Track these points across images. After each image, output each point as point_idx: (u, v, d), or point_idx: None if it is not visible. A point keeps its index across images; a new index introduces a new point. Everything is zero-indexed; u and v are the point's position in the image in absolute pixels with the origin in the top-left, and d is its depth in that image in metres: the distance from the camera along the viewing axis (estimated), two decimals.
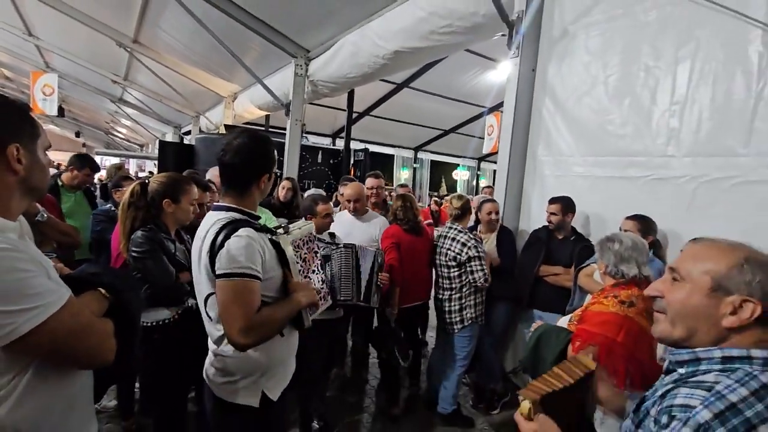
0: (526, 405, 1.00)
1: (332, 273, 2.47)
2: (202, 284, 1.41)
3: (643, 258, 1.77)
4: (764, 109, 2.13)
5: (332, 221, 2.71)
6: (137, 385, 2.85)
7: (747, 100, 2.19)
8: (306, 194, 3.39)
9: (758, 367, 0.79)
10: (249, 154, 1.40)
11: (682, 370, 0.89)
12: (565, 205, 2.86)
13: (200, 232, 1.42)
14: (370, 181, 3.48)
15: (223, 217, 1.38)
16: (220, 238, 1.31)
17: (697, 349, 0.86)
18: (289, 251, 1.46)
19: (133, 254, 1.94)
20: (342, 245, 2.57)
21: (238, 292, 1.28)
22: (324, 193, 3.37)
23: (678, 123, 2.46)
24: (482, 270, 2.82)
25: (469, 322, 2.93)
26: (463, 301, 2.92)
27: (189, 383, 2.26)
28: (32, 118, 0.98)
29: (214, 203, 1.50)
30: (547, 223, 2.96)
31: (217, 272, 1.30)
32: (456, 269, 2.91)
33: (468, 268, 2.86)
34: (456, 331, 2.95)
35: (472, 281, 2.86)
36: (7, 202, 0.93)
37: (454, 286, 2.94)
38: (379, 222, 3.11)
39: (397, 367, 3.00)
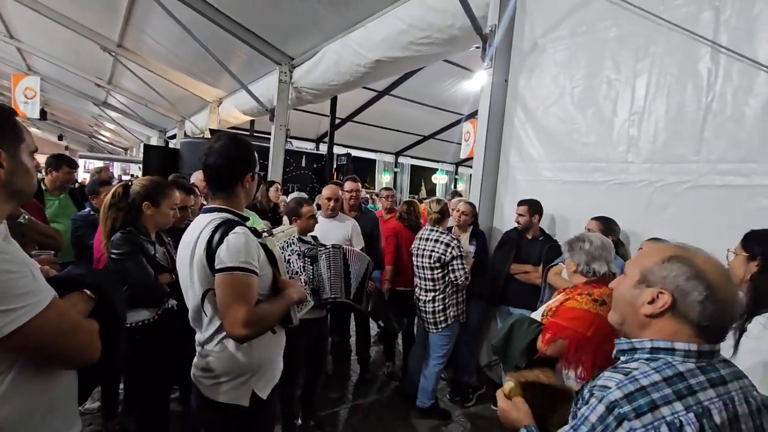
0: (509, 385, 1.09)
1: (320, 272, 2.48)
2: (195, 284, 1.37)
3: (610, 256, 1.82)
4: (713, 120, 2.25)
5: (316, 222, 2.71)
6: (121, 386, 2.79)
7: (697, 112, 2.31)
8: (289, 197, 3.39)
9: (679, 358, 0.86)
10: (231, 155, 1.41)
11: (623, 358, 0.96)
12: (532, 206, 2.94)
13: (191, 234, 1.40)
14: (348, 185, 3.51)
15: (216, 217, 1.38)
16: (217, 236, 1.30)
17: (633, 340, 0.94)
18: (277, 251, 1.47)
19: (113, 256, 1.90)
20: (330, 246, 2.59)
21: (239, 286, 1.28)
22: (306, 196, 3.38)
23: (637, 132, 2.57)
24: (463, 269, 2.87)
25: (452, 320, 2.97)
26: (447, 300, 2.95)
27: (171, 383, 2.22)
28: (15, 122, 0.96)
29: (204, 206, 1.48)
30: (515, 224, 3.04)
31: (217, 267, 1.28)
32: (440, 270, 2.92)
33: (450, 267, 2.89)
34: (439, 330, 2.98)
35: (453, 279, 2.90)
36: None
37: (437, 287, 2.95)
38: (351, 223, 3.19)
39: (394, 334, 3.26)
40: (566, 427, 0.92)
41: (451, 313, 2.95)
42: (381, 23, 4.37)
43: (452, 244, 2.88)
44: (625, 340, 0.96)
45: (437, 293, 2.95)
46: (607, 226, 2.46)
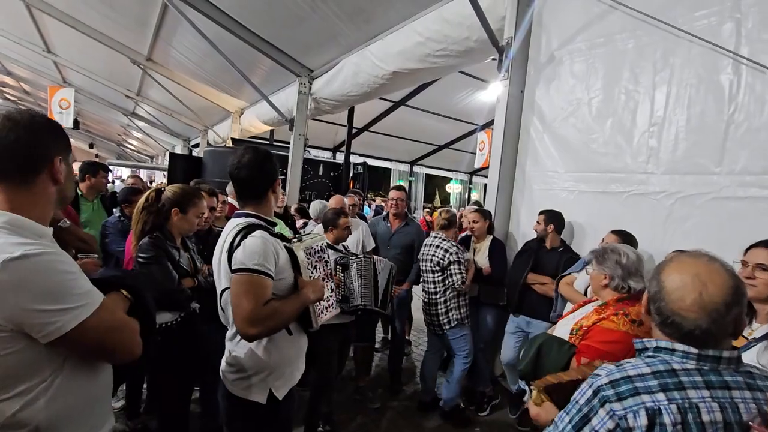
0: (535, 392, 1.11)
1: (351, 280, 2.53)
2: (220, 282, 1.46)
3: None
4: (735, 131, 2.19)
5: (350, 233, 2.79)
6: (144, 386, 2.83)
7: (719, 123, 2.25)
8: (312, 206, 3.55)
9: (678, 358, 0.90)
10: (258, 167, 1.47)
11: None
12: (548, 217, 2.90)
13: (223, 237, 1.48)
14: (393, 193, 3.61)
15: (242, 222, 1.44)
16: (237, 238, 1.36)
17: (644, 339, 0.99)
18: (301, 255, 1.50)
19: (140, 259, 1.95)
20: (362, 255, 2.66)
21: (249, 285, 1.32)
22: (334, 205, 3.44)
23: (656, 142, 2.52)
24: (460, 273, 2.92)
25: (456, 322, 2.98)
26: (448, 303, 2.99)
27: (192, 384, 2.25)
28: (65, 133, 1.02)
29: (235, 211, 1.54)
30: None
31: (233, 268, 1.34)
32: (440, 273, 3.00)
33: (449, 272, 2.95)
34: (447, 330, 3.00)
35: (451, 284, 2.95)
36: (45, 210, 0.97)
37: (438, 290, 3.01)
38: (362, 225, 3.31)
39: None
40: (562, 412, 0.98)
41: (454, 316, 2.99)
42: (398, 36, 4.41)
43: (451, 250, 2.95)
44: (639, 340, 1.00)
45: (438, 296, 3.01)
46: (627, 240, 2.35)
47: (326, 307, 1.72)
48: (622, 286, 1.64)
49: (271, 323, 1.35)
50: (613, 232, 2.46)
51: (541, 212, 2.95)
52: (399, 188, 3.65)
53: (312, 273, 1.63)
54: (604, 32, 2.83)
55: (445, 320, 3.00)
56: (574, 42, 3.01)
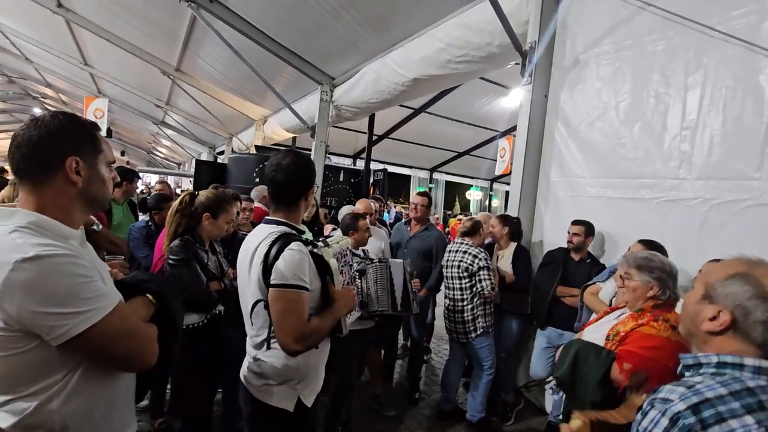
0: (577, 423, 1.04)
1: (367, 286, 2.51)
2: (248, 292, 1.42)
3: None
4: None
5: (370, 235, 2.78)
6: (168, 386, 2.88)
7: (758, 126, 2.13)
8: (342, 211, 3.58)
9: (748, 374, 0.82)
10: (298, 172, 1.44)
11: (687, 374, 0.92)
12: (588, 228, 2.81)
13: (251, 243, 1.44)
14: (416, 198, 3.58)
15: (275, 230, 1.41)
16: (273, 250, 1.33)
17: (699, 355, 0.90)
18: (333, 263, 1.48)
19: (170, 261, 1.99)
20: (377, 260, 2.62)
21: (292, 302, 1.31)
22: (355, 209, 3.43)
23: (689, 147, 2.41)
24: (489, 279, 2.87)
25: (482, 330, 2.93)
26: (475, 311, 2.94)
27: (216, 385, 2.27)
28: (94, 135, 1.00)
29: (265, 217, 1.51)
30: (567, 243, 2.88)
31: (272, 282, 1.31)
32: (468, 280, 2.95)
33: (477, 278, 2.90)
34: (472, 339, 2.94)
35: (480, 290, 2.89)
36: (69, 211, 0.96)
37: (465, 296, 2.96)
38: (383, 233, 3.31)
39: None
40: None
41: (480, 323, 2.93)
42: (419, 43, 4.41)
43: (480, 256, 2.92)
44: (690, 355, 0.93)
45: (465, 303, 2.95)
46: (656, 251, 2.25)
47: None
48: (667, 294, 1.59)
49: (314, 339, 1.36)
50: (641, 241, 2.34)
51: (578, 223, 2.83)
52: (422, 194, 3.61)
53: (341, 278, 1.62)
54: (631, 34, 2.75)
55: (471, 328, 2.94)
56: (601, 45, 2.93)
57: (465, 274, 2.94)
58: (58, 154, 0.92)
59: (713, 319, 0.88)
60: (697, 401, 0.79)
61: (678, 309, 1.60)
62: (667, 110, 2.55)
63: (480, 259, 2.90)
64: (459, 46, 3.89)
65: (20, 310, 0.81)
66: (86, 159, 0.96)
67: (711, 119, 2.33)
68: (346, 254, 1.72)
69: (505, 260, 3.17)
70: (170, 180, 17.25)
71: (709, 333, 0.89)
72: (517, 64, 3.42)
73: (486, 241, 3.42)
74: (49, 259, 0.84)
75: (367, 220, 2.80)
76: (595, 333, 1.72)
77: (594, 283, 2.49)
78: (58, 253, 0.86)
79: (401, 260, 2.75)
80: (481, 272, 2.89)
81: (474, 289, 2.93)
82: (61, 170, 0.93)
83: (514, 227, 3.21)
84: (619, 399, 1.38)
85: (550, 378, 2.96)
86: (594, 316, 2.21)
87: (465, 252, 2.98)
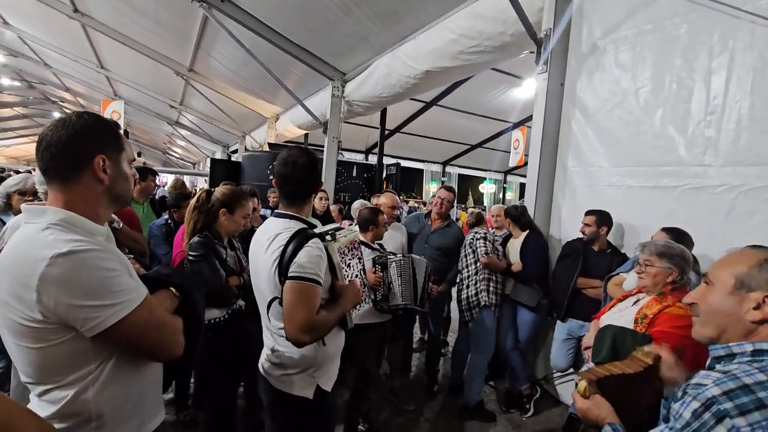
0: (583, 384, 1.05)
1: (390, 280, 2.53)
2: (265, 288, 1.45)
3: None
4: None
5: (387, 230, 2.81)
6: (192, 380, 2.94)
7: None
8: (354, 206, 3.58)
9: None
10: (310, 168, 1.49)
11: (719, 366, 0.89)
12: (600, 218, 2.73)
13: (263, 236, 1.46)
14: (442, 192, 3.51)
15: (291, 226, 1.43)
16: (291, 247, 1.35)
17: (731, 344, 0.87)
18: (336, 258, 1.49)
19: (190, 257, 2.02)
20: (401, 255, 2.65)
21: (306, 294, 1.33)
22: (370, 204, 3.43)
23: (715, 132, 2.33)
24: (485, 247, 3.03)
25: (484, 303, 2.99)
26: (478, 285, 3.02)
27: (239, 378, 2.31)
28: (118, 133, 1.03)
29: (275, 211, 1.54)
30: (581, 234, 2.84)
31: (290, 274, 1.33)
32: (472, 256, 3.11)
33: (474, 248, 3.09)
34: (476, 314, 3.02)
35: (477, 261, 3.04)
36: (96, 208, 0.99)
37: (470, 273, 3.10)
38: (402, 229, 3.34)
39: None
40: (660, 426, 0.86)
41: (483, 298, 2.99)
42: (430, 35, 4.36)
43: (479, 231, 3.17)
44: (721, 346, 0.90)
45: (469, 279, 3.08)
46: (680, 239, 2.13)
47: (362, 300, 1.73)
48: (683, 279, 1.67)
49: (321, 332, 1.39)
50: (664, 229, 2.28)
51: (591, 213, 2.78)
52: (449, 189, 3.53)
53: (347, 271, 1.63)
54: (652, 18, 2.66)
55: (474, 302, 3.02)
56: (619, 30, 2.85)
57: (469, 249, 3.13)
58: (86, 152, 0.95)
59: (757, 307, 0.84)
60: (734, 387, 0.76)
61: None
62: (690, 95, 2.47)
63: (477, 233, 3.13)
64: (471, 36, 3.83)
65: (56, 304, 0.84)
66: (111, 157, 0.99)
67: (738, 103, 2.24)
68: (356, 246, 1.73)
69: (513, 249, 3.16)
70: (186, 180, 17.53)
71: (755, 322, 0.85)
72: (531, 53, 3.36)
73: (502, 232, 3.40)
74: (81, 254, 0.87)
75: (386, 216, 2.81)
76: (620, 319, 1.76)
77: (617, 273, 2.44)
78: (88, 248, 0.89)
79: (425, 260, 2.83)
80: (476, 242, 3.07)
81: (478, 265, 3.05)
82: (89, 168, 0.95)
83: (516, 216, 3.18)
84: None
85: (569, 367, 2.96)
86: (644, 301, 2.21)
87: (473, 238, 3.14)
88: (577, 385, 1.10)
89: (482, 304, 2.98)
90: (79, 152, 0.95)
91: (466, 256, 3.16)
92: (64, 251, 0.85)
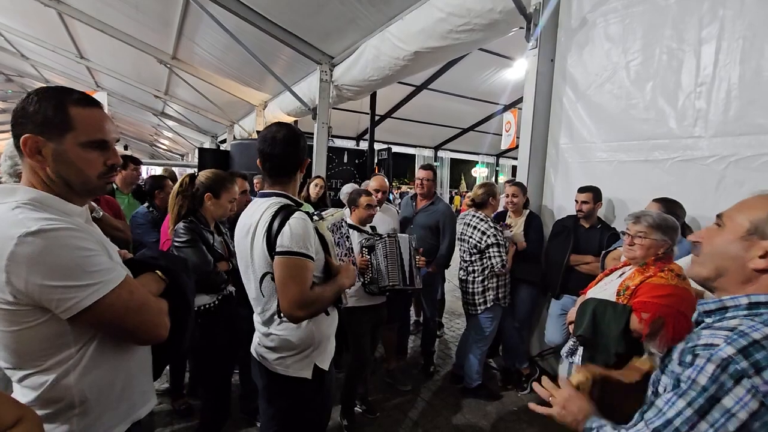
0: (580, 376, 1.02)
1: (378, 262, 2.51)
2: (255, 266, 1.41)
3: None
4: None
5: (374, 213, 2.73)
6: (187, 368, 2.93)
7: None
8: (343, 189, 3.54)
9: None
10: (294, 143, 1.43)
11: (709, 320, 0.87)
12: (596, 194, 2.76)
13: (250, 217, 1.42)
14: (420, 173, 3.46)
15: (274, 202, 1.39)
16: (277, 221, 1.32)
17: (723, 298, 0.85)
18: (329, 235, 1.48)
19: (176, 243, 1.98)
20: (385, 236, 2.60)
21: (296, 269, 1.30)
22: (362, 188, 3.38)
23: (705, 104, 2.32)
24: (500, 256, 2.85)
25: (492, 303, 2.94)
26: (486, 283, 2.95)
27: (233, 364, 2.30)
28: (66, 110, 0.90)
29: (260, 191, 1.50)
30: (575, 212, 2.85)
31: (277, 249, 1.30)
32: (477, 255, 2.96)
33: (487, 254, 2.89)
34: (479, 311, 2.97)
35: (490, 266, 2.89)
36: (60, 188, 0.93)
37: (476, 268, 2.97)
38: (394, 211, 3.32)
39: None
40: (668, 395, 0.81)
41: (491, 296, 2.94)
42: (418, 14, 4.27)
43: (488, 232, 2.88)
44: (711, 300, 0.88)
45: (476, 275, 2.97)
46: (671, 209, 2.18)
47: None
48: (672, 250, 1.71)
49: (316, 307, 1.37)
50: (656, 200, 2.30)
51: (586, 189, 2.78)
52: (427, 167, 3.48)
53: (337, 250, 1.62)
54: None
55: (481, 300, 2.96)
56: (609, 2, 2.81)
57: (474, 250, 2.96)
58: (20, 128, 0.89)
59: (764, 255, 0.82)
60: (745, 344, 0.73)
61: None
62: (680, 67, 2.45)
63: (488, 236, 2.86)
64: (460, 14, 3.76)
65: (27, 284, 0.81)
66: (51, 138, 0.89)
67: (727, 73, 2.23)
68: (342, 226, 1.71)
69: (517, 228, 3.16)
70: (176, 171, 17.28)
71: (759, 271, 0.83)
72: (521, 28, 3.31)
73: (498, 210, 3.38)
74: (52, 233, 0.83)
75: (373, 197, 2.76)
76: (603, 292, 1.79)
77: (615, 248, 2.46)
78: (61, 227, 0.85)
79: (407, 235, 2.75)
80: (490, 249, 2.86)
81: (484, 262, 2.93)
82: (24, 150, 0.90)
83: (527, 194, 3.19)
84: (641, 348, 1.41)
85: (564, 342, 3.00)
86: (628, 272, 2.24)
87: (475, 228, 2.96)
88: (569, 375, 1.08)
89: (489, 304, 2.95)
90: (17, 131, 0.89)
91: (471, 253, 2.97)
92: (33, 230, 0.81)
